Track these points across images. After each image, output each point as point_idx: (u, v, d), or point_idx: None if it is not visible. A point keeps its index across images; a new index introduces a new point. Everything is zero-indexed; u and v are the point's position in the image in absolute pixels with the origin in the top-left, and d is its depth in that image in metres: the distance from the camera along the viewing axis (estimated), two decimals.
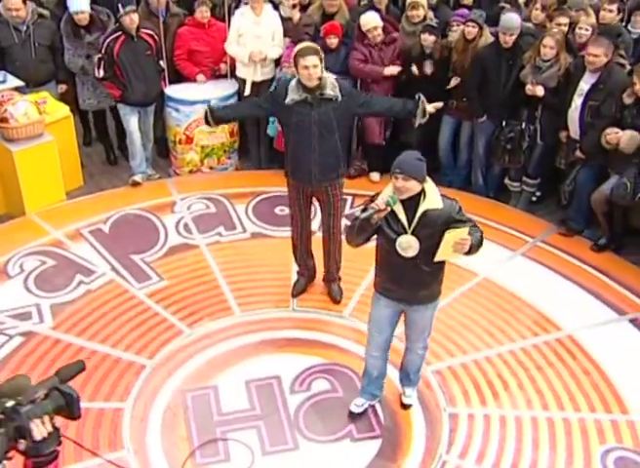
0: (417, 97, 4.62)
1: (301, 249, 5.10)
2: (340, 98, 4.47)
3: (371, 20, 6.12)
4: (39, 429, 2.09)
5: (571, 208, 6.01)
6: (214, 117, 4.71)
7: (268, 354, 4.66)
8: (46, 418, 2.11)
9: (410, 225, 3.60)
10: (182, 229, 5.91)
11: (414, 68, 6.16)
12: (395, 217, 3.61)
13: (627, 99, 5.35)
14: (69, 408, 2.18)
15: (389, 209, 3.56)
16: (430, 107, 4.62)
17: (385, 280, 3.84)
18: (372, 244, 5.33)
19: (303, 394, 4.38)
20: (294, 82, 4.50)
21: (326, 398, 4.37)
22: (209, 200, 6.30)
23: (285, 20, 6.51)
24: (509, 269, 5.57)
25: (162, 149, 7.04)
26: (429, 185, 3.62)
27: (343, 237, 4.08)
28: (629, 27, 6.31)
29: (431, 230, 3.57)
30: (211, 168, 6.80)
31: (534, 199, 6.48)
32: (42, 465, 2.14)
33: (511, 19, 5.79)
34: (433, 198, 3.60)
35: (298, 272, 5.22)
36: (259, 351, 4.69)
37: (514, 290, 5.33)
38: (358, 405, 4.29)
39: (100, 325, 4.87)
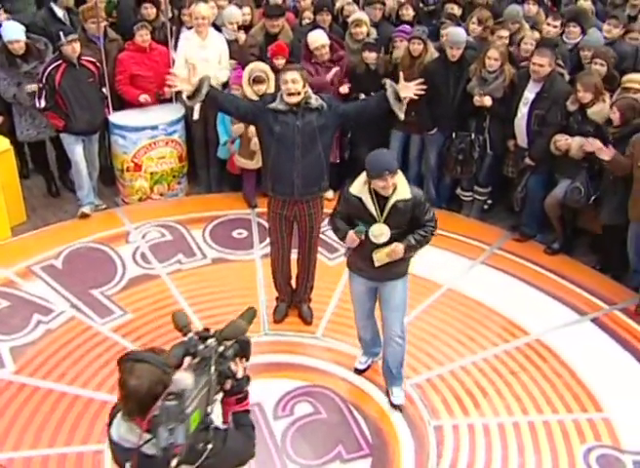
0: (383, 82, 4.67)
1: (282, 275, 5.05)
2: (324, 108, 4.52)
3: (318, 39, 6.20)
4: (239, 369, 2.57)
5: (523, 214, 6.22)
6: (209, 93, 4.46)
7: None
8: (237, 360, 2.58)
9: (382, 214, 3.95)
10: (140, 259, 5.82)
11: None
12: (366, 209, 3.94)
13: (571, 107, 5.60)
14: (246, 351, 2.64)
15: (362, 237, 3.97)
16: (404, 88, 4.56)
17: (358, 260, 4.19)
18: (336, 262, 5.40)
19: (287, 419, 4.37)
20: (280, 93, 4.53)
21: (310, 421, 4.36)
22: (164, 227, 6.22)
23: (229, 43, 6.53)
24: (471, 278, 5.72)
25: (106, 178, 6.91)
26: (400, 177, 3.98)
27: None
28: (564, 38, 6.62)
29: (401, 218, 3.97)
30: (161, 194, 6.73)
31: (485, 207, 6.69)
32: (242, 400, 2.63)
33: (458, 33, 5.99)
34: (404, 188, 3.97)
35: (277, 298, 5.18)
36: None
37: (479, 298, 5.48)
38: (362, 362, 4.67)
39: (67, 365, 4.73)
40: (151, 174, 6.59)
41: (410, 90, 4.61)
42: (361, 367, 4.66)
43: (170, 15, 7.00)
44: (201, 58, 6.38)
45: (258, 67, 6.00)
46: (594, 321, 5.29)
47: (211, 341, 2.52)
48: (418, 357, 4.90)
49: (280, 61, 6.26)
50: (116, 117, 6.51)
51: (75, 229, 6.20)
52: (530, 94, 5.77)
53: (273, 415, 4.38)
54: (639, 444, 4.26)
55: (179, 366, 2.45)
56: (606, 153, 5.15)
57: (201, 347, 2.50)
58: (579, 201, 5.56)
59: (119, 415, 2.48)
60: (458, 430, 4.36)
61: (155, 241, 6.05)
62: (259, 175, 5.78)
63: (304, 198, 4.67)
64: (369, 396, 4.59)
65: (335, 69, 6.28)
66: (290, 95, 4.41)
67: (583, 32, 6.49)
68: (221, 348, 2.53)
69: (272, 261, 5.04)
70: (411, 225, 4.04)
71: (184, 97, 4.58)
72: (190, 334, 2.56)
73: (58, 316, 5.17)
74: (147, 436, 2.33)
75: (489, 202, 6.68)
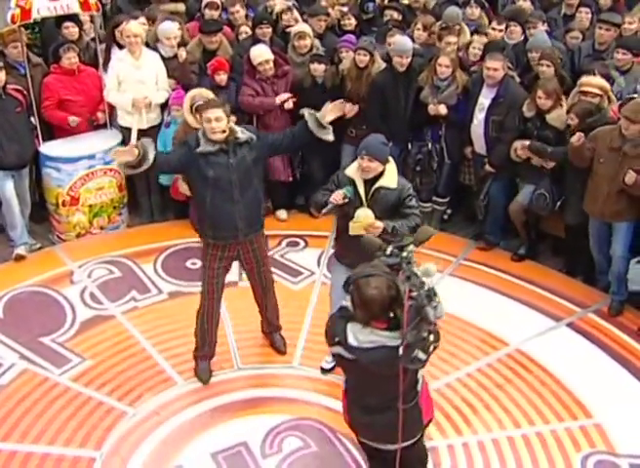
0: (301, 113, 4.81)
1: (212, 328, 4.92)
2: (254, 140, 4.60)
3: (262, 54, 6.35)
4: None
5: (486, 221, 6.52)
6: (156, 160, 4.43)
7: (227, 420, 4.68)
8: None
9: (367, 199, 4.31)
10: (90, 300, 5.79)
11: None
12: (355, 191, 4.29)
13: (528, 113, 5.93)
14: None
15: (347, 200, 4.27)
16: (329, 111, 4.60)
17: (342, 247, 4.51)
18: (301, 286, 5.51)
19: (277, 456, 4.45)
20: (201, 132, 4.53)
21: (301, 455, 4.46)
22: (110, 264, 6.21)
23: (166, 61, 6.59)
24: (441, 291, 5.87)
25: (37, 215, 6.82)
26: (390, 166, 4.38)
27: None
28: (505, 38, 6.99)
29: (383, 206, 4.30)
30: (101, 228, 6.71)
31: (445, 217, 6.97)
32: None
33: (405, 42, 6.26)
34: (390, 177, 4.33)
35: (200, 356, 4.97)
36: (216, 419, 4.70)
37: (452, 311, 5.61)
38: (329, 361, 4.88)
39: (27, 423, 4.66)
40: (90, 206, 6.57)
41: (335, 111, 4.66)
42: (327, 366, 4.93)
43: (92, 34, 7.02)
44: (136, 79, 6.45)
45: (200, 94, 5.86)
46: (570, 325, 5.61)
47: (409, 248, 3.36)
48: None
49: (222, 77, 6.39)
50: (48, 148, 6.47)
51: (12, 273, 6.11)
52: (485, 99, 6.09)
53: (261, 454, 4.45)
54: (633, 446, 4.54)
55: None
56: (576, 138, 5.39)
57: (404, 254, 3.32)
58: (544, 208, 5.90)
59: (353, 327, 3.29)
60: (453, 450, 4.54)
61: (103, 279, 6.03)
62: None
63: (248, 238, 4.72)
64: None
65: (286, 95, 6.43)
66: (214, 133, 4.42)
67: (523, 31, 6.89)
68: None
69: (201, 314, 4.86)
70: (394, 216, 4.35)
71: (124, 169, 4.44)
72: (389, 249, 3.37)
73: (7, 370, 5.08)
74: (389, 333, 3.24)
75: (448, 211, 6.97)
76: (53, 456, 4.45)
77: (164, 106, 6.61)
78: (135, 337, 5.40)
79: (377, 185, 4.33)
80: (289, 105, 6.48)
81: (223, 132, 4.46)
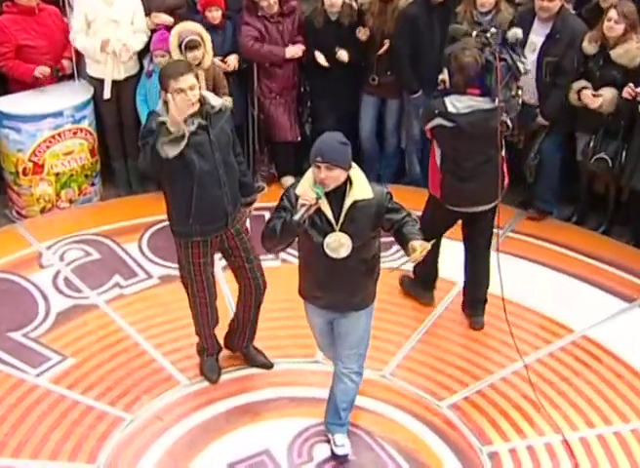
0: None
1: (212, 321, 4.99)
2: (227, 106, 4.64)
3: None
4: None
5: (537, 186, 6.60)
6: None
7: (245, 425, 4.75)
8: None
9: (337, 221, 3.98)
10: (65, 287, 5.85)
11: (321, 59, 6.55)
12: (319, 214, 3.97)
13: (590, 48, 5.99)
14: None
15: (320, 202, 3.92)
16: None
17: (313, 287, 4.24)
18: None
19: (307, 465, 4.54)
20: (164, 117, 4.22)
21: (337, 464, 4.55)
22: (85, 243, 6.27)
23: None
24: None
25: None
26: (356, 172, 4.03)
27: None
28: None
29: (363, 224, 4.02)
30: (70, 201, 6.76)
31: None
32: None
33: None
34: (362, 187, 4.02)
35: (207, 354, 5.08)
36: (231, 424, 4.77)
37: (502, 293, 5.79)
38: (341, 444, 4.53)
39: (4, 432, 4.70)
40: (56, 175, 6.61)
41: None
42: (344, 451, 4.55)
43: None
44: (108, 18, 6.45)
45: (187, 29, 5.89)
46: None
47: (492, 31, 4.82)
48: (447, 372, 5.18)
49: (215, 14, 6.39)
50: (4, 104, 6.47)
51: None
52: (537, 37, 6.14)
53: (289, 463, 4.53)
54: None
55: None
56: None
57: (489, 34, 4.81)
58: (608, 169, 6.02)
59: (450, 98, 4.82)
60: (516, 455, 4.64)
61: (79, 262, 6.09)
62: None
63: (234, 227, 4.73)
64: (397, 423, 4.82)
65: (297, 48, 6.52)
66: (188, 106, 4.27)
67: None
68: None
69: (199, 315, 4.92)
70: (375, 233, 4.09)
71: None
72: (474, 33, 4.86)
73: None
74: (483, 98, 4.82)
75: None
76: None
77: (141, 54, 6.62)
78: (124, 330, 5.46)
79: (350, 201, 3.95)
80: (297, 54, 6.57)
81: (199, 101, 4.37)
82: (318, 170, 3.89)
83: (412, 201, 6.28)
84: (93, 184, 6.85)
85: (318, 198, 3.88)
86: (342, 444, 4.53)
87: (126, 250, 6.22)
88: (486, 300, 5.51)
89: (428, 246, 3.97)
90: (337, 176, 3.91)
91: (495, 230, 6.27)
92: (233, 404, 4.92)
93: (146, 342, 5.35)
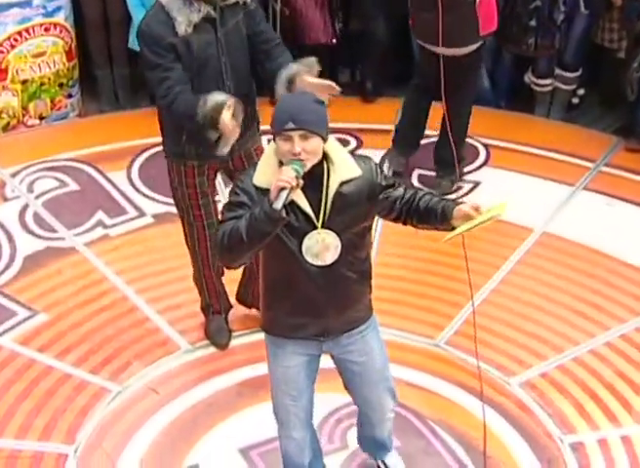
0: None
1: (213, 276, 5.02)
2: (249, 2, 4.60)
3: None
4: None
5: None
6: None
7: (260, 402, 4.73)
8: None
9: (318, 215, 3.66)
10: (35, 225, 5.91)
11: None
12: (292, 208, 3.60)
13: None
14: None
15: (301, 182, 3.54)
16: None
17: (289, 313, 3.85)
18: None
19: (341, 454, 4.57)
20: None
21: None
22: (60, 171, 6.33)
23: None
24: (573, 214, 6.06)
25: None
26: (332, 145, 3.70)
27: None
28: None
29: (353, 214, 3.68)
30: (41, 117, 6.80)
31: (575, 102, 7.03)
32: None
33: None
34: (345, 162, 3.69)
35: (212, 311, 5.14)
36: (243, 400, 4.81)
37: (590, 243, 5.79)
38: (394, 465, 4.45)
39: None
40: (23, 83, 6.64)
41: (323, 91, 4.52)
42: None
43: None
44: None
45: None
46: None
47: None
48: (520, 342, 5.18)
49: None
50: None
51: None
52: None
53: None
54: None
55: None
56: None
57: None
58: None
59: None
60: (607, 447, 4.63)
61: (53, 194, 6.15)
62: None
63: (245, 146, 4.77)
64: (453, 404, 4.85)
65: None
66: None
67: None
68: None
69: (197, 254, 4.95)
70: (369, 223, 3.79)
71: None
72: None
73: None
74: None
75: (579, 93, 7.02)
76: (2, 453, 4.56)
77: None
78: (109, 280, 5.51)
79: (335, 184, 3.61)
80: None
81: None
82: (288, 142, 3.50)
83: (482, 126, 6.51)
84: (69, 96, 6.88)
85: (298, 176, 3.49)
86: (397, 461, 4.48)
87: (111, 180, 6.26)
88: (455, 163, 5.97)
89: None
90: (315, 149, 3.53)
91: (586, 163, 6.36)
92: (246, 375, 4.94)
93: (137, 296, 5.40)
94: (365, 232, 3.76)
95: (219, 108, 4.22)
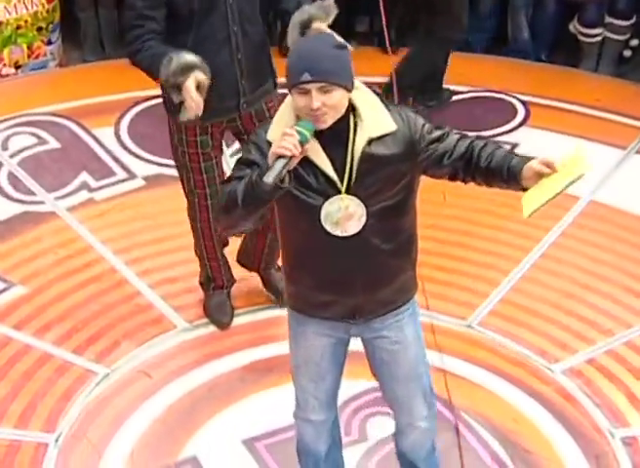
0: None
1: (214, 245, 5.06)
2: None
3: None
4: None
5: None
6: None
7: (267, 388, 4.76)
8: None
9: (342, 177, 3.56)
10: (10, 188, 5.92)
11: None
12: (312, 169, 3.56)
13: None
14: None
15: (307, 148, 3.44)
16: None
17: (313, 288, 3.78)
18: None
19: (359, 447, 4.54)
20: None
21: None
22: (39, 127, 6.34)
23: None
24: (625, 180, 6.04)
25: None
26: (362, 94, 3.59)
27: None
28: None
29: (386, 175, 3.56)
30: (17, 66, 6.81)
31: (626, 55, 6.99)
32: None
33: None
34: (377, 116, 3.57)
35: (214, 287, 5.16)
36: (247, 386, 4.79)
37: None
38: None
39: None
40: None
41: None
42: None
43: None
44: None
45: None
46: None
47: None
48: (564, 323, 5.13)
49: None
50: None
51: None
52: None
53: None
54: None
55: None
56: None
57: None
58: None
59: None
60: None
61: (30, 152, 6.16)
62: None
63: (254, 107, 4.79)
64: (490, 393, 4.82)
65: None
66: None
67: None
68: None
69: (198, 223, 4.98)
70: (408, 188, 3.63)
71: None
72: None
73: None
74: None
75: (632, 44, 6.97)
76: None
77: None
78: (94, 250, 5.51)
79: (362, 142, 3.50)
80: None
81: None
82: (304, 96, 3.39)
83: (520, 81, 6.44)
84: (49, 43, 6.88)
85: (304, 143, 3.38)
86: None
87: (97, 137, 6.26)
88: (417, 90, 6.37)
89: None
90: (337, 103, 3.41)
91: None
92: (250, 357, 4.93)
93: (128, 268, 5.39)
94: (407, 196, 3.59)
95: (184, 71, 4.18)
